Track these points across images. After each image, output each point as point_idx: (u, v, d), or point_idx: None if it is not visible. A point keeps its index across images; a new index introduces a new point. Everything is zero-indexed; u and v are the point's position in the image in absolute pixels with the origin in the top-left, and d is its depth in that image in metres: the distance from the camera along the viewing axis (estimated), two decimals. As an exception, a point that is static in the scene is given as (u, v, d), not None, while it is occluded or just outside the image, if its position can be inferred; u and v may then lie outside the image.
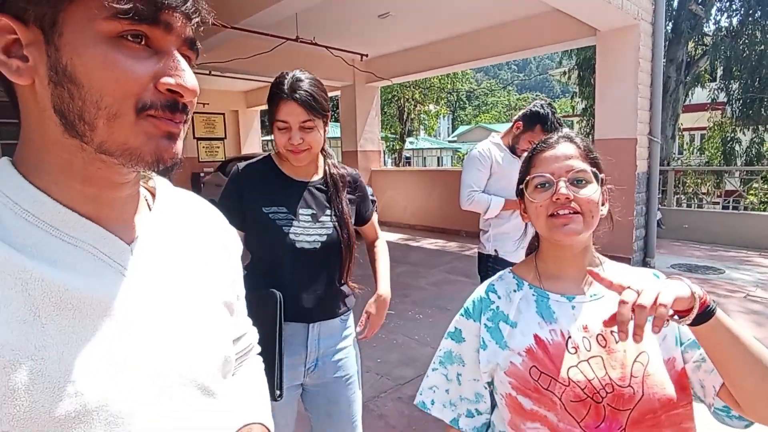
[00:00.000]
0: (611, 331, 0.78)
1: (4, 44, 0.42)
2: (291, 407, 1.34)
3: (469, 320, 0.89)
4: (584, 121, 11.21)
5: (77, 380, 0.41)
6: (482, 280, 1.26)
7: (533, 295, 0.85)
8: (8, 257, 0.41)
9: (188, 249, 0.57)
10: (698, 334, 0.68)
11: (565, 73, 11.76)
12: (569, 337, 0.79)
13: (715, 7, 9.43)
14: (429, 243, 7.30)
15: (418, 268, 5.65)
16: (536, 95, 50.53)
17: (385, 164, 15.17)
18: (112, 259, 0.48)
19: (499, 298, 0.88)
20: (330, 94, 11.24)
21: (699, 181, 8.72)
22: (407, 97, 17.43)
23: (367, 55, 7.83)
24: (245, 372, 0.73)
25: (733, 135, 10.08)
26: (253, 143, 12.62)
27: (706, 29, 9.53)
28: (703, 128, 11.63)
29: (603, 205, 0.86)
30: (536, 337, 0.80)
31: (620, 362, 0.76)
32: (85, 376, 0.42)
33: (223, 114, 11.88)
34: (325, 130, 1.29)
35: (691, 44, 9.50)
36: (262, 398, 0.72)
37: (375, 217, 1.56)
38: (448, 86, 18.72)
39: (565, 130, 0.90)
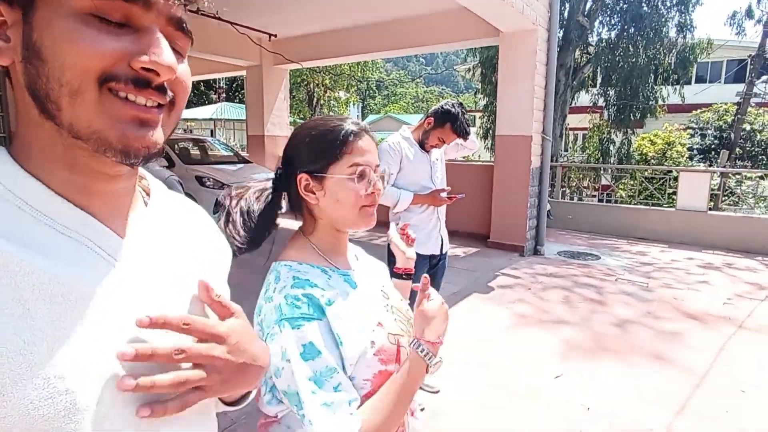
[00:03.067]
0: (385, 288, 0.99)
1: None
2: None
3: (312, 323, 0.76)
4: (485, 117, 11.91)
5: (67, 377, 0.40)
6: None
7: (340, 277, 0.88)
8: None
9: (182, 250, 0.55)
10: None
11: (469, 69, 12.34)
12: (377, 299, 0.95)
13: (598, 20, 10.51)
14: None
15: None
16: (442, 89, 52.61)
17: (293, 150, 14.75)
18: (106, 252, 0.46)
19: (323, 290, 0.80)
20: (235, 74, 10.63)
21: (581, 176, 9.73)
22: (317, 82, 17.10)
23: (276, 36, 7.49)
24: None
25: (608, 136, 11.41)
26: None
27: (590, 39, 10.58)
28: (585, 129, 12.98)
29: None
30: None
31: (404, 309, 0.99)
32: (76, 374, 0.40)
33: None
34: None
35: (577, 52, 10.50)
36: None
37: None
38: (359, 74, 18.69)
39: (357, 120, 0.91)
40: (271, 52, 7.72)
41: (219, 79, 19.96)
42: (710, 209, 6.83)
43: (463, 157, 5.94)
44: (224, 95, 24.21)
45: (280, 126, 8.72)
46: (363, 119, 40.80)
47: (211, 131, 21.83)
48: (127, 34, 0.42)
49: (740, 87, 12.40)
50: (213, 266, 0.61)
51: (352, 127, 0.86)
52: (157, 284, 0.50)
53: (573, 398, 2.60)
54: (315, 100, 17.90)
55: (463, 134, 2.40)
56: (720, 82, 16.11)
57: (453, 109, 2.36)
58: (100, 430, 0.42)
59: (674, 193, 7.73)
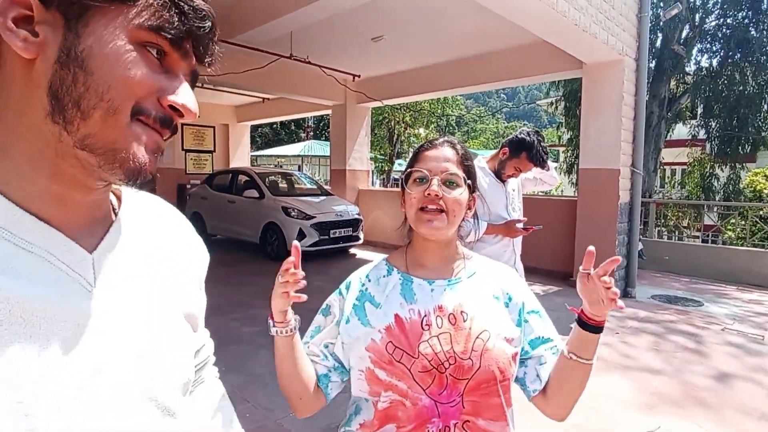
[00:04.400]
0: (461, 311, 0.90)
1: (15, 15, 0.39)
2: None
3: (338, 297, 0.99)
4: (569, 151, 11.46)
5: (26, 401, 0.38)
6: None
7: (400, 279, 0.96)
8: None
9: (154, 258, 0.54)
10: (583, 338, 0.88)
11: (552, 103, 12.05)
12: (425, 315, 0.90)
13: (696, 48, 9.84)
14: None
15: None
16: (524, 124, 51.52)
17: (373, 184, 15.27)
18: (71, 268, 0.44)
19: (369, 281, 0.98)
20: (321, 113, 11.36)
21: (680, 214, 8.91)
22: (398, 119, 17.65)
23: (359, 76, 7.94)
24: (206, 392, 0.69)
25: (711, 171, 10.38)
26: (243, 157, 12.59)
27: (687, 68, 9.89)
28: (684, 164, 11.94)
29: (469, 209, 0.97)
30: (396, 316, 0.91)
31: (464, 338, 0.88)
32: (37, 397, 0.39)
33: (213, 127, 11.86)
34: None
35: (673, 82, 9.83)
36: (227, 419, 0.70)
37: None
38: (438, 110, 19.00)
39: (450, 137, 1.01)
40: (354, 92, 8.18)
41: (307, 118, 21.37)
42: (843, 254, 5.89)
43: (544, 192, 5.76)
44: (312, 133, 25.86)
45: (360, 161, 9.10)
46: (442, 155, 40.91)
47: (299, 167, 23.25)
48: (161, 72, 0.45)
49: None
50: (188, 271, 0.60)
51: (430, 141, 0.99)
52: (126, 303, 0.48)
53: (665, 456, 2.33)
54: (395, 136, 18.43)
55: (540, 162, 2.36)
56: None
57: (528, 138, 2.34)
58: None
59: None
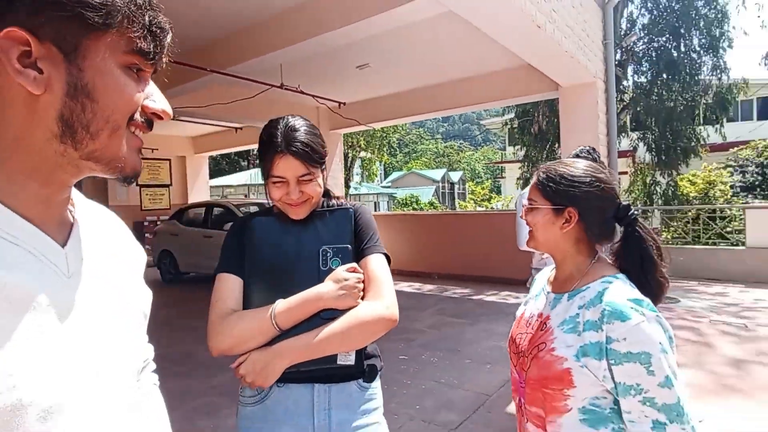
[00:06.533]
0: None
1: (18, 54, 0.43)
2: None
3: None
4: (525, 167, 12.16)
5: (14, 374, 0.42)
6: None
7: None
8: None
9: (111, 255, 0.59)
10: None
11: (506, 123, 12.83)
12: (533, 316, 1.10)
13: (630, 68, 10.92)
14: (405, 286, 7.33)
15: (408, 311, 5.63)
16: (460, 143, 53.87)
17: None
18: (48, 259, 0.49)
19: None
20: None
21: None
22: (350, 143, 17.82)
23: (345, 103, 7.97)
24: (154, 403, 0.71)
25: (653, 179, 11.45)
26: (201, 189, 12.08)
27: (624, 86, 10.91)
28: (624, 173, 13.07)
29: None
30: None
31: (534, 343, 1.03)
32: (21, 371, 0.42)
33: (169, 160, 11.33)
34: (324, 176, 1.16)
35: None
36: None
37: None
38: (390, 134, 19.42)
39: None
40: (343, 118, 8.14)
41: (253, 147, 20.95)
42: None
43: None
44: (257, 162, 25.30)
45: (336, 186, 9.08)
46: (386, 177, 41.60)
47: (245, 195, 22.66)
48: (138, 82, 0.52)
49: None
50: (135, 266, 0.66)
51: None
52: (96, 291, 0.54)
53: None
54: (349, 160, 18.55)
55: None
56: (752, 119, 16.31)
57: (589, 157, 2.49)
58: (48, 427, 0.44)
59: (729, 232, 7.76)
